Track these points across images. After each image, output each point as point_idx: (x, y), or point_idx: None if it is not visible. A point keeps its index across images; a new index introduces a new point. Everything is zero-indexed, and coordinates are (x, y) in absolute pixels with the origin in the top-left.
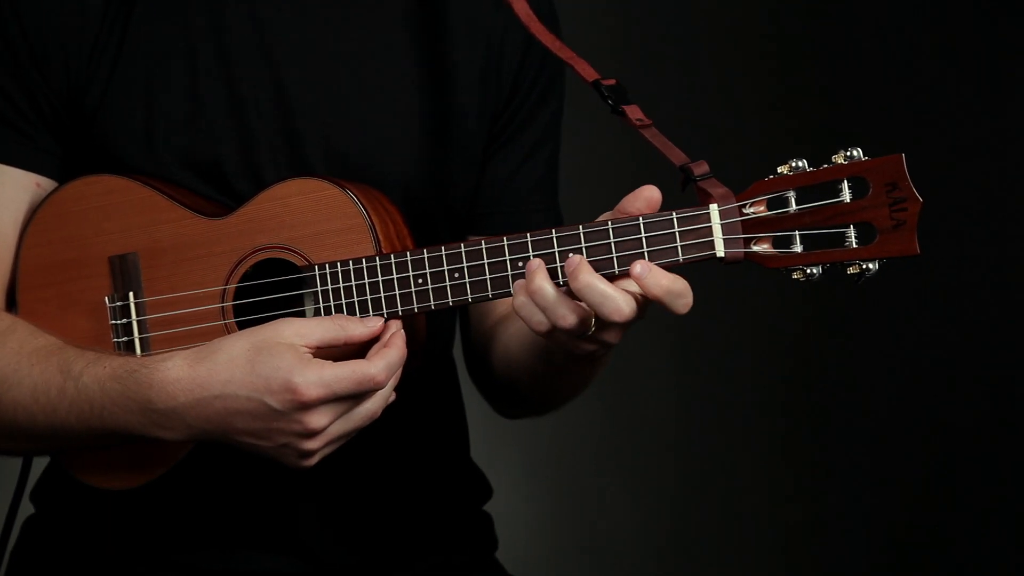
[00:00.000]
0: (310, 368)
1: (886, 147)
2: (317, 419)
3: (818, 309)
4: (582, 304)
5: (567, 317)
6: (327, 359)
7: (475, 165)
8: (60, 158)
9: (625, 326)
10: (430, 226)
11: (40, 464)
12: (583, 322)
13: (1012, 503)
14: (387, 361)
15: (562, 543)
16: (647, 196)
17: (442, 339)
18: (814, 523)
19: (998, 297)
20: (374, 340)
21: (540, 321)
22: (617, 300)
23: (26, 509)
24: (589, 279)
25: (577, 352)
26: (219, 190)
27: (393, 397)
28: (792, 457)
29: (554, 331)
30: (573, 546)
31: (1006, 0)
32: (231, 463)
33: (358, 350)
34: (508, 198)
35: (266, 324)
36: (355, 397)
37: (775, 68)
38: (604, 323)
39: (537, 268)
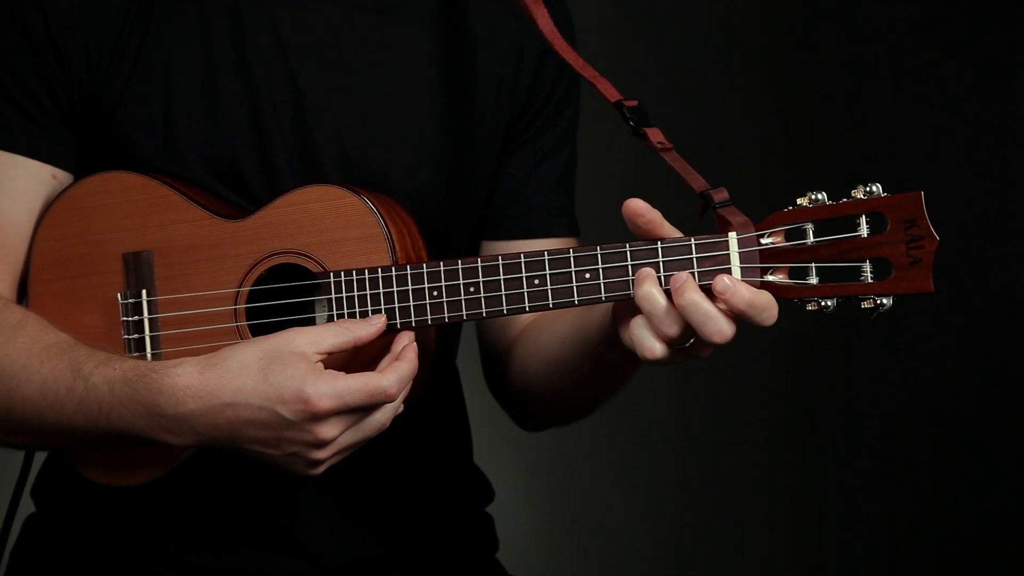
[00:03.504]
0: (323, 379)
1: (907, 183)
2: (328, 430)
3: (819, 312)
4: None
5: (671, 327)
6: (337, 365)
7: (489, 172)
8: (77, 151)
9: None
10: (442, 232)
11: (40, 461)
12: (684, 335)
13: (1013, 504)
14: (399, 374)
15: (562, 544)
16: (632, 210)
17: (447, 347)
18: (814, 523)
19: (999, 299)
20: (385, 349)
21: (651, 348)
22: (720, 322)
23: (27, 506)
24: (695, 297)
25: (674, 363)
26: (235, 189)
27: (402, 409)
28: (792, 458)
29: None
30: (573, 547)
31: None
32: (235, 462)
33: (371, 360)
34: (521, 201)
35: (277, 333)
36: (366, 409)
37: (799, 98)
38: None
39: (647, 275)
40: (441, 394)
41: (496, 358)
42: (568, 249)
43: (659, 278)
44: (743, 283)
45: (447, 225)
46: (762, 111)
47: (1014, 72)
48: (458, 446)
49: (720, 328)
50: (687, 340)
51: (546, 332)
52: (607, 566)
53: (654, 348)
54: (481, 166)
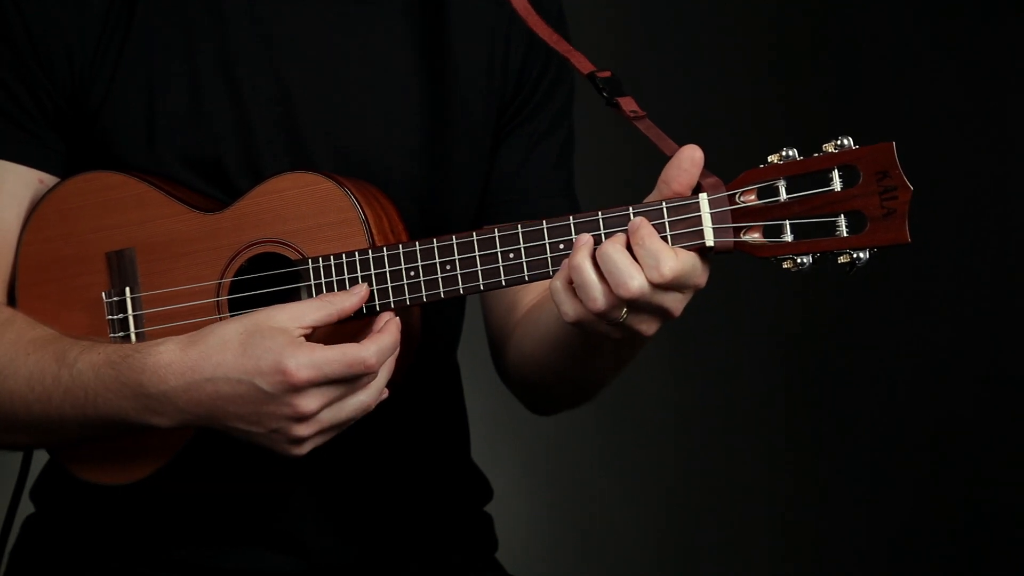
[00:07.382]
0: (301, 350)
1: (879, 136)
2: (307, 402)
3: (817, 304)
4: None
5: (597, 300)
6: (321, 340)
7: (483, 158)
8: (64, 154)
9: (658, 316)
10: (441, 220)
11: (39, 463)
12: (612, 308)
13: (1012, 503)
14: (379, 346)
15: (562, 544)
16: (690, 156)
17: (445, 340)
18: (814, 522)
19: (997, 291)
20: (368, 325)
21: (566, 312)
22: (623, 274)
23: (26, 508)
24: (610, 250)
25: (612, 337)
26: (220, 188)
27: (386, 394)
28: (792, 455)
29: (582, 320)
30: (573, 547)
31: None
32: (231, 460)
33: (352, 337)
34: (519, 184)
35: (260, 309)
36: (347, 382)
37: (768, 58)
38: (633, 310)
39: (584, 244)
40: (440, 389)
41: (502, 343)
42: (541, 221)
43: None
44: (648, 227)
45: (445, 212)
46: (738, 75)
47: (1010, 62)
48: (456, 443)
49: (624, 280)
50: (616, 317)
51: (545, 312)
52: (607, 565)
53: (567, 312)
54: (475, 152)
